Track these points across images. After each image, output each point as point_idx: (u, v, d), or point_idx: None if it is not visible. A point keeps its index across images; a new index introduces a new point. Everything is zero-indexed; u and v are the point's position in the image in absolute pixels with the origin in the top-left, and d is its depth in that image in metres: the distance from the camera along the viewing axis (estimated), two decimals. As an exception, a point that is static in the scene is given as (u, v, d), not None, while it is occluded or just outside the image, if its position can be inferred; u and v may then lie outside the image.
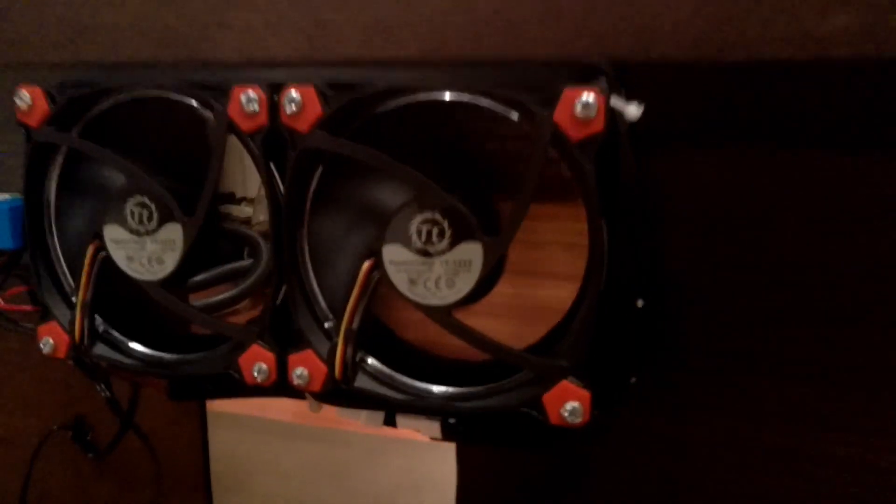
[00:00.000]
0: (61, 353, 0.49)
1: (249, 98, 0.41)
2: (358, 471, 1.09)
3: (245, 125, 0.42)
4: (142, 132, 0.47)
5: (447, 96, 0.39)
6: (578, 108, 0.36)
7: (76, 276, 0.49)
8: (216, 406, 0.57)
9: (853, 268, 0.39)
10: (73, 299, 0.49)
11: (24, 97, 0.46)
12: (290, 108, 0.41)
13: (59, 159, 0.48)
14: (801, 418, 0.40)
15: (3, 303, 0.52)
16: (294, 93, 0.41)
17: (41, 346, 0.49)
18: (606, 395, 0.40)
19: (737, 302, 0.41)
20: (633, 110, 0.38)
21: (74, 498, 0.58)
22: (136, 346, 0.49)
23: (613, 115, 0.37)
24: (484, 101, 0.39)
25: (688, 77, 0.39)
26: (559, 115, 0.37)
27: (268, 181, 0.42)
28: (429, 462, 1.03)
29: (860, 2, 0.33)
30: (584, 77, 0.38)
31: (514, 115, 0.39)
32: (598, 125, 0.36)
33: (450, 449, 0.49)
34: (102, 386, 0.51)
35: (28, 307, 0.52)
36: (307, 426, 1.14)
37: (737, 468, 0.42)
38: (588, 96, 0.36)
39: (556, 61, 0.39)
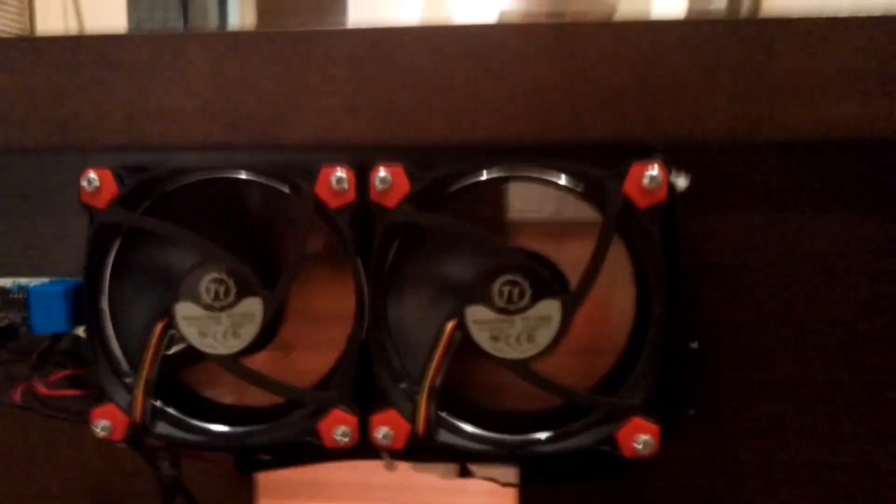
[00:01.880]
0: (119, 435, 0.48)
1: (339, 177, 0.45)
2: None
3: (333, 202, 0.45)
4: (204, 212, 0.49)
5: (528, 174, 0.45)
6: (646, 181, 0.43)
7: (130, 358, 0.49)
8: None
9: (857, 302, 0.48)
10: (128, 381, 0.49)
11: (93, 179, 0.46)
12: (380, 186, 0.45)
13: (115, 243, 0.49)
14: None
15: (45, 388, 0.51)
16: (384, 171, 0.45)
17: (96, 429, 0.48)
18: (669, 428, 0.45)
19: (761, 342, 0.49)
20: (682, 182, 0.45)
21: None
22: (197, 422, 0.49)
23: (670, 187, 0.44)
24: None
25: (721, 154, 0.47)
26: (628, 187, 0.44)
27: (354, 251, 0.46)
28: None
29: (860, 92, 0.43)
30: (643, 155, 0.45)
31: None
32: (662, 194, 0.44)
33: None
34: (167, 464, 0.50)
35: (72, 392, 0.51)
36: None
37: (783, 486, 0.49)
38: (654, 169, 0.43)
39: (615, 142, 0.46)
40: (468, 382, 0.48)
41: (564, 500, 0.52)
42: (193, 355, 0.48)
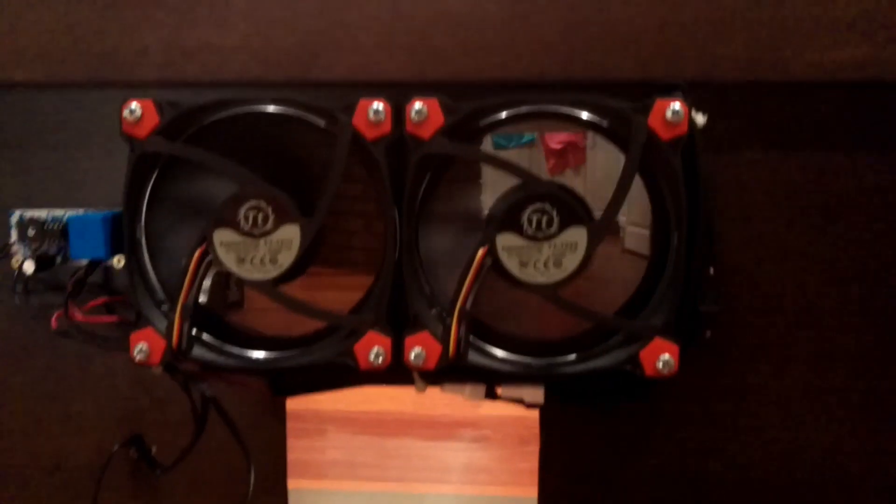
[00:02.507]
0: (156, 359, 0.50)
1: (377, 109, 0.47)
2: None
3: (370, 134, 0.48)
4: (242, 146, 0.50)
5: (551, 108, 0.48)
6: (669, 114, 0.46)
7: (165, 287, 0.51)
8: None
9: (861, 237, 0.51)
10: (164, 308, 0.50)
11: (134, 109, 0.48)
12: (416, 118, 0.47)
13: (153, 174, 0.50)
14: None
15: (81, 315, 0.52)
16: (419, 104, 0.47)
17: (135, 352, 0.49)
18: (687, 348, 0.48)
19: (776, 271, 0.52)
20: (700, 119, 0.48)
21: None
22: (231, 347, 0.51)
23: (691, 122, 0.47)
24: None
25: (737, 93, 0.50)
26: (652, 120, 0.46)
27: (389, 183, 0.48)
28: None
29: (868, 36, 0.46)
30: (665, 92, 0.48)
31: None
32: (684, 128, 0.46)
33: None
34: (205, 385, 0.52)
35: (108, 318, 0.52)
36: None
37: (790, 408, 0.53)
38: (676, 105, 0.46)
39: (639, 80, 0.48)
40: (498, 311, 0.51)
41: (585, 421, 0.55)
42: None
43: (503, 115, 0.48)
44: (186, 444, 0.55)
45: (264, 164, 0.50)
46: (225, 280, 0.51)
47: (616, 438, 0.55)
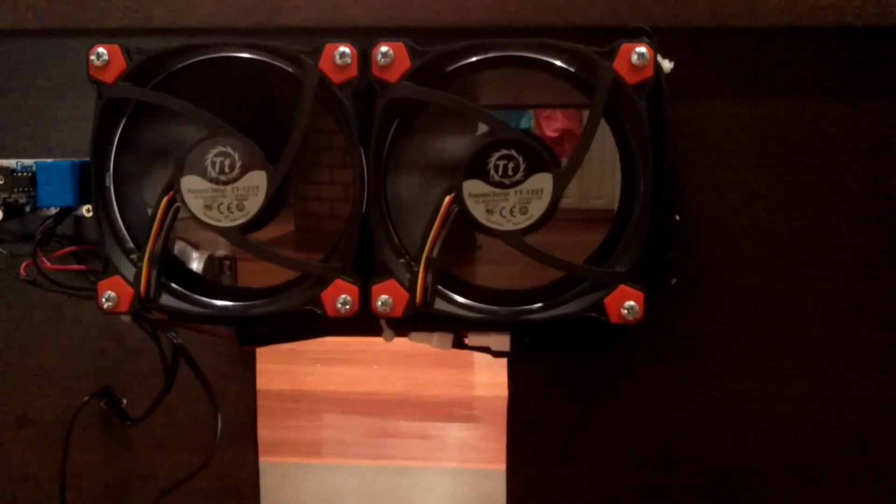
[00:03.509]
0: (124, 307, 0.50)
1: (343, 52, 0.47)
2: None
3: (336, 77, 0.47)
4: (209, 91, 0.50)
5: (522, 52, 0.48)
6: (635, 58, 0.46)
7: (134, 236, 0.51)
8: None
9: (824, 183, 0.51)
10: (133, 257, 0.50)
11: (101, 54, 0.48)
12: (382, 61, 0.47)
13: (121, 121, 0.50)
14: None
15: (50, 264, 0.52)
16: (385, 47, 0.47)
17: (102, 300, 0.49)
18: (652, 295, 0.48)
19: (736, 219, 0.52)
20: (667, 65, 0.48)
21: (114, 468, 0.57)
22: (200, 297, 0.51)
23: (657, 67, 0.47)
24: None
25: (704, 40, 0.50)
26: (618, 64, 0.46)
27: (356, 129, 0.48)
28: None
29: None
30: (632, 37, 0.47)
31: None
32: (649, 72, 0.46)
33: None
34: (172, 335, 0.52)
35: (76, 266, 0.52)
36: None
37: (756, 358, 0.53)
38: (642, 48, 0.46)
39: (605, 25, 0.48)
40: (464, 260, 0.51)
41: (551, 370, 0.55)
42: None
43: (470, 60, 0.48)
44: (157, 395, 0.55)
45: (232, 110, 0.50)
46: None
47: (582, 386, 0.55)
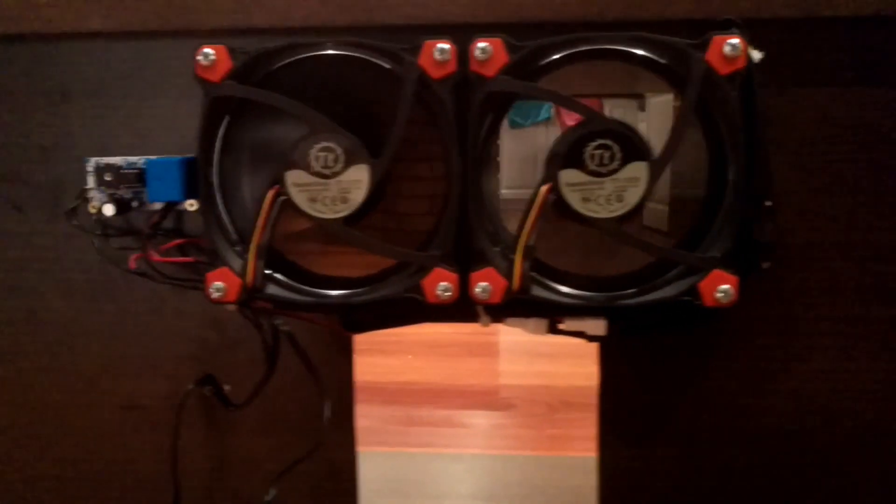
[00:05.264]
0: (232, 296, 0.52)
1: (442, 49, 0.49)
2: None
3: (435, 73, 0.49)
4: (310, 89, 0.52)
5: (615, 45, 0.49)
6: (727, 49, 0.47)
7: (238, 229, 0.53)
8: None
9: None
10: (238, 249, 0.52)
11: (208, 54, 0.49)
12: (480, 56, 0.49)
13: (224, 119, 0.52)
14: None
15: (158, 256, 0.54)
16: (484, 43, 0.48)
17: (211, 291, 0.51)
18: (745, 279, 0.50)
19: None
20: (756, 54, 0.49)
21: (217, 451, 0.59)
22: (305, 286, 0.53)
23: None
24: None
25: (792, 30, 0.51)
26: (710, 55, 0.48)
27: (453, 123, 0.49)
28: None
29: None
30: (721, 28, 0.49)
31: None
32: (742, 62, 0.48)
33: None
34: (280, 321, 0.54)
35: (183, 259, 0.55)
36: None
37: (842, 339, 0.54)
38: (734, 40, 0.47)
39: (696, 18, 0.50)
40: (559, 248, 0.52)
41: (641, 354, 0.57)
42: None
43: (565, 53, 0.50)
44: (257, 382, 0.57)
45: (330, 106, 0.52)
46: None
47: (674, 369, 0.57)
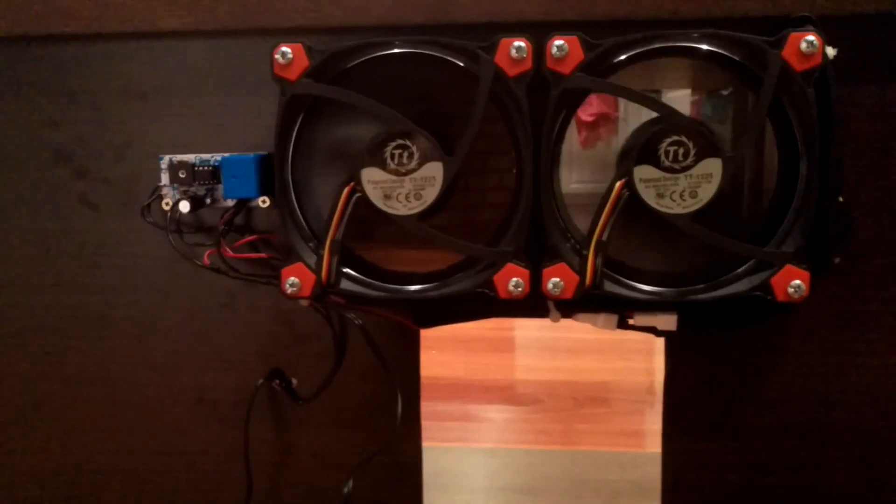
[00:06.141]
0: (307, 292, 0.52)
1: (519, 46, 0.49)
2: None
3: (511, 71, 0.50)
4: (380, 86, 0.52)
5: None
6: (804, 46, 0.48)
7: (311, 226, 0.53)
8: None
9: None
10: (311, 245, 0.53)
11: (286, 53, 0.50)
12: (557, 54, 0.49)
13: (299, 117, 0.53)
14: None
15: (232, 252, 0.55)
16: (560, 40, 0.49)
17: (286, 286, 0.52)
18: (816, 274, 0.50)
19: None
20: (831, 51, 0.50)
21: (285, 444, 0.60)
22: (379, 281, 0.54)
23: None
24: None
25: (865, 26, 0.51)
26: (786, 53, 0.48)
27: (528, 120, 0.50)
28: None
29: None
30: (797, 25, 0.49)
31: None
32: (818, 59, 0.48)
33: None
34: (353, 314, 0.55)
35: (256, 255, 0.56)
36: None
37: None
38: (811, 37, 0.48)
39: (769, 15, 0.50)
40: (631, 245, 0.53)
41: (707, 348, 0.57)
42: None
43: (639, 50, 0.50)
44: (325, 377, 0.58)
45: (404, 104, 0.52)
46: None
47: (740, 363, 0.57)
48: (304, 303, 0.54)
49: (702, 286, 0.52)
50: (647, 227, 0.52)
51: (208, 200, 0.55)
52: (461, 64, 0.51)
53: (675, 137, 0.49)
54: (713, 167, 0.49)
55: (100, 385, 0.61)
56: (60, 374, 0.62)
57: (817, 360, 0.56)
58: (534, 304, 0.53)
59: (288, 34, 0.52)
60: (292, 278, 0.53)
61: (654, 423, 0.90)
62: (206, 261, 0.55)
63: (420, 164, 0.51)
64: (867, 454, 0.57)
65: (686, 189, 0.50)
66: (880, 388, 0.56)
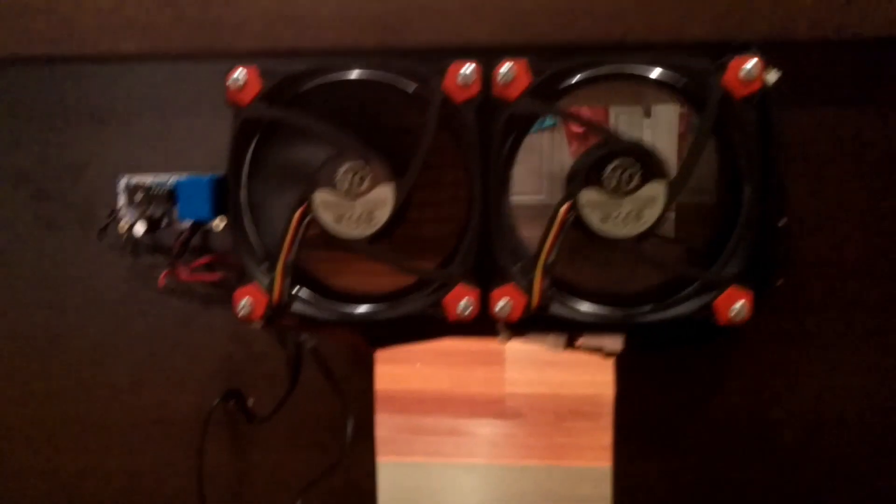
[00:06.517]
0: (259, 313, 0.53)
1: (466, 73, 0.50)
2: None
3: (459, 96, 0.50)
4: (331, 109, 0.53)
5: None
6: (743, 72, 0.49)
7: (265, 247, 0.54)
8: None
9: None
10: (264, 267, 0.54)
11: (240, 75, 0.51)
12: (503, 79, 0.50)
13: (253, 139, 0.54)
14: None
15: (188, 274, 0.55)
16: (508, 65, 0.50)
17: (238, 308, 0.53)
18: (759, 296, 0.51)
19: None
20: (774, 75, 0.51)
21: (242, 464, 0.61)
22: (330, 303, 0.54)
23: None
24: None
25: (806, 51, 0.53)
26: (727, 78, 0.49)
27: (476, 144, 0.51)
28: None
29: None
30: (739, 51, 0.50)
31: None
32: (758, 84, 0.49)
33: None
34: (304, 336, 0.56)
35: (211, 276, 0.56)
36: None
37: (855, 356, 0.55)
38: (752, 62, 0.49)
39: (713, 41, 0.51)
40: (578, 265, 0.53)
41: (655, 368, 0.58)
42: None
43: (585, 76, 0.51)
44: (281, 396, 0.58)
45: (356, 127, 0.53)
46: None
47: (688, 383, 0.58)
48: (257, 325, 0.54)
49: (648, 307, 0.53)
50: (595, 249, 0.53)
51: (165, 222, 0.56)
52: (410, 91, 0.52)
53: (620, 161, 0.50)
54: (658, 190, 0.50)
55: (55, 405, 0.61)
56: (15, 394, 0.62)
57: (763, 380, 0.57)
58: (484, 325, 0.54)
59: (244, 57, 0.53)
60: (246, 299, 0.53)
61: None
62: (162, 282, 0.55)
63: (372, 187, 0.52)
64: (814, 473, 0.58)
65: (631, 212, 0.51)
66: (825, 407, 0.57)
